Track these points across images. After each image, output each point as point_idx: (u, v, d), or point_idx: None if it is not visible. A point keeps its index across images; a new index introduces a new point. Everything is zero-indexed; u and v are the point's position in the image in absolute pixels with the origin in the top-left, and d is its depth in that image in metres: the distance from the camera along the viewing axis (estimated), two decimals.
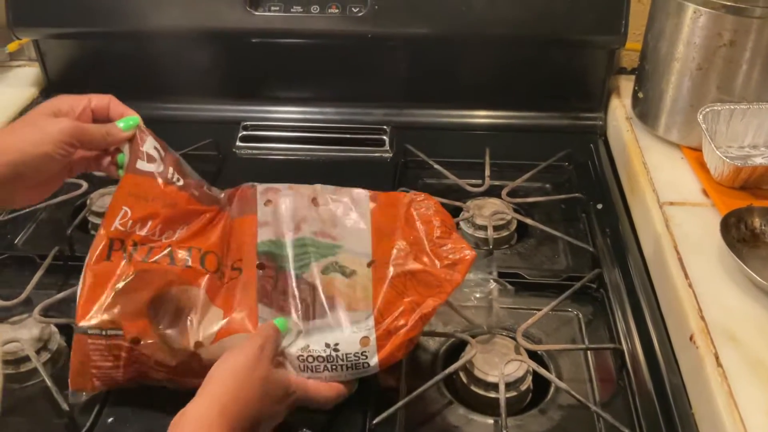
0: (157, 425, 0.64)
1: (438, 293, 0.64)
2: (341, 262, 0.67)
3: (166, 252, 0.65)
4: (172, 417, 0.65)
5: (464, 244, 0.68)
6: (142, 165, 0.66)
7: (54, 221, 0.90)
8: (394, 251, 0.67)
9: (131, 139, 0.67)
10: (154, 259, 0.64)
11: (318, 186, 0.74)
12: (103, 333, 0.61)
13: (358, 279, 0.66)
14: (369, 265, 0.67)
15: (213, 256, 0.67)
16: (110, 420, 0.64)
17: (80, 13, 1.02)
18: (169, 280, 0.63)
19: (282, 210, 0.70)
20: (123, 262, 0.63)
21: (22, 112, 1.07)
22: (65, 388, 0.64)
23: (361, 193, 0.73)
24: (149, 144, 0.67)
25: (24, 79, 1.14)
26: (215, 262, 0.67)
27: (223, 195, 0.74)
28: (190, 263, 0.65)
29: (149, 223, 0.65)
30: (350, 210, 0.72)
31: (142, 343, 0.61)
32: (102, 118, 0.67)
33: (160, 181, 0.67)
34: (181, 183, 0.69)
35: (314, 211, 0.71)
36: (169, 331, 0.62)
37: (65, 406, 0.64)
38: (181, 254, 0.65)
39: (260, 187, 0.73)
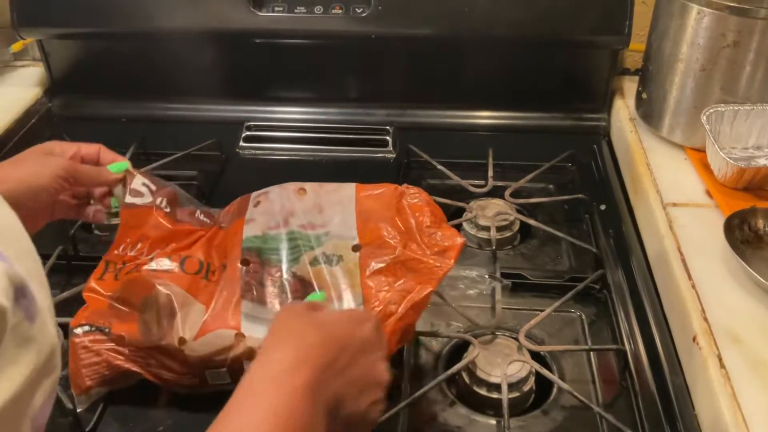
0: (160, 424, 0.64)
1: (429, 280, 0.64)
2: (328, 252, 0.68)
3: (149, 266, 0.68)
4: (174, 415, 0.66)
5: (454, 231, 0.68)
6: (132, 200, 0.72)
7: (57, 221, 0.90)
8: (384, 240, 0.67)
9: (123, 181, 0.72)
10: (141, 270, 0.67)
11: (306, 183, 0.76)
12: (91, 329, 0.64)
13: (344, 265, 0.67)
14: (354, 249, 0.68)
15: (193, 260, 0.69)
16: (114, 418, 0.65)
17: (84, 13, 1.03)
18: (153, 284, 0.65)
19: (268, 206, 0.72)
20: (113, 280, 0.67)
21: (27, 112, 1.08)
22: (69, 387, 0.64)
23: (348, 184, 0.75)
24: (137, 181, 0.72)
25: (28, 79, 1.14)
26: (196, 264, 0.69)
27: (218, 214, 0.77)
28: (168, 267, 0.68)
29: (138, 245, 0.70)
30: (336, 193, 0.73)
31: (126, 340, 0.63)
32: (91, 163, 0.71)
33: (148, 207, 0.72)
34: (168, 210, 0.73)
35: (300, 202, 0.72)
36: (153, 328, 0.63)
37: (70, 405, 0.64)
38: (163, 261, 0.68)
39: (254, 193, 0.76)
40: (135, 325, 0.64)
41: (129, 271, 0.67)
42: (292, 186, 0.75)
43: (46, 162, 0.66)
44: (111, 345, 0.64)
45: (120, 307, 0.65)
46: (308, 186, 0.75)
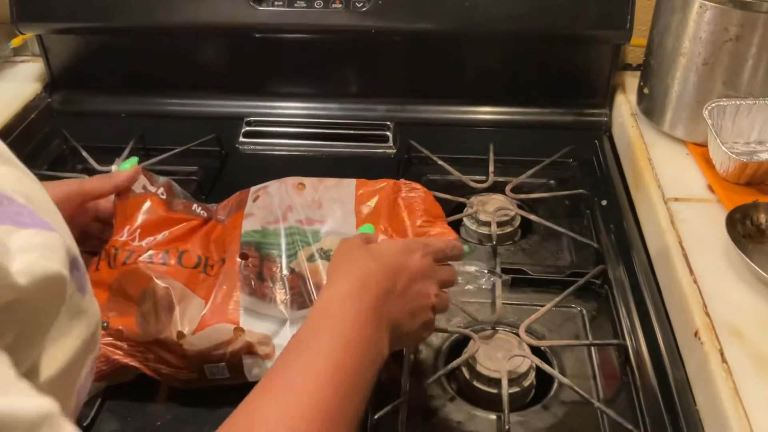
0: (159, 419, 0.64)
1: None
2: (325, 247, 0.67)
3: (145, 255, 0.67)
4: (173, 410, 0.65)
5: (447, 229, 0.68)
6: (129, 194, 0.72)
7: None
8: (378, 239, 0.67)
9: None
10: (135, 261, 0.67)
11: (306, 178, 0.75)
12: None
13: None
14: None
15: (191, 254, 0.69)
16: (112, 413, 0.64)
17: (84, 8, 1.02)
18: (150, 276, 0.65)
19: (267, 201, 0.72)
20: (107, 269, 0.66)
21: (26, 107, 1.07)
22: None
23: (348, 179, 0.75)
24: (137, 185, 0.72)
25: (28, 74, 1.13)
26: (194, 258, 0.68)
27: (215, 208, 0.77)
28: (167, 261, 0.67)
29: (127, 228, 0.69)
30: (335, 190, 0.73)
31: (125, 334, 0.63)
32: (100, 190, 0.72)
33: (143, 195, 0.72)
34: (164, 197, 0.73)
35: (299, 197, 0.72)
36: (151, 322, 0.63)
37: None
38: (161, 255, 0.68)
39: (253, 188, 0.76)
40: (133, 319, 0.64)
41: (124, 258, 0.67)
42: (291, 180, 0.75)
43: (54, 183, 0.67)
44: (109, 339, 0.63)
45: (118, 299, 0.65)
46: (307, 181, 0.74)
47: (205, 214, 0.75)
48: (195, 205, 0.76)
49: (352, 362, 0.47)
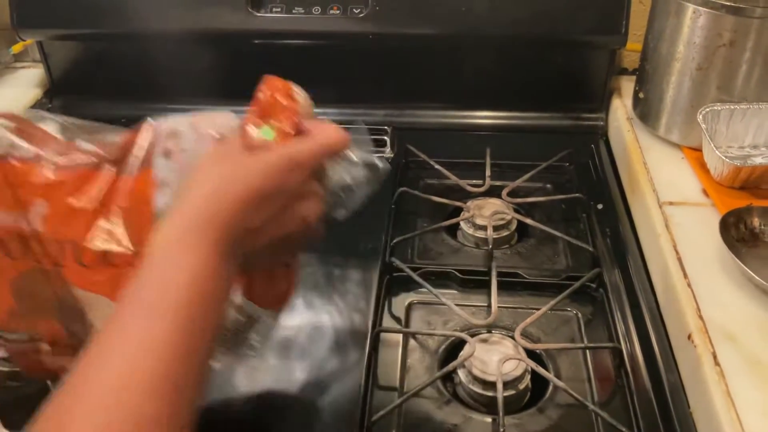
0: None
1: None
2: None
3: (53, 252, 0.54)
4: None
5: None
6: None
7: None
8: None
9: None
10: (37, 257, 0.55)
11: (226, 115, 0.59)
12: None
13: None
14: None
15: (124, 255, 0.54)
16: None
17: (84, 14, 1.03)
18: (65, 284, 0.55)
19: (182, 159, 0.55)
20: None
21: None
22: None
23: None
24: None
25: (28, 80, 1.14)
26: (128, 258, 0.53)
27: (118, 138, 0.57)
28: (73, 261, 0.54)
29: None
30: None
31: (55, 347, 0.58)
32: None
33: None
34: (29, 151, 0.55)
35: None
36: (77, 330, 0.57)
37: None
38: (54, 248, 0.54)
39: (163, 126, 0.56)
40: (53, 322, 0.57)
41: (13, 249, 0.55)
42: (204, 125, 0.57)
43: None
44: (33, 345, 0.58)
45: (28, 305, 0.57)
46: (226, 130, 0.58)
47: (115, 139, 0.56)
48: (78, 141, 0.57)
49: (197, 304, 0.42)
